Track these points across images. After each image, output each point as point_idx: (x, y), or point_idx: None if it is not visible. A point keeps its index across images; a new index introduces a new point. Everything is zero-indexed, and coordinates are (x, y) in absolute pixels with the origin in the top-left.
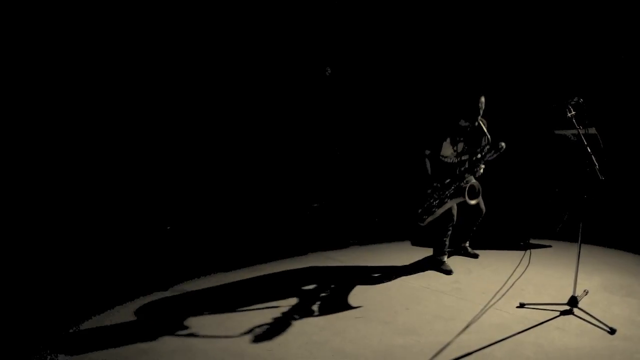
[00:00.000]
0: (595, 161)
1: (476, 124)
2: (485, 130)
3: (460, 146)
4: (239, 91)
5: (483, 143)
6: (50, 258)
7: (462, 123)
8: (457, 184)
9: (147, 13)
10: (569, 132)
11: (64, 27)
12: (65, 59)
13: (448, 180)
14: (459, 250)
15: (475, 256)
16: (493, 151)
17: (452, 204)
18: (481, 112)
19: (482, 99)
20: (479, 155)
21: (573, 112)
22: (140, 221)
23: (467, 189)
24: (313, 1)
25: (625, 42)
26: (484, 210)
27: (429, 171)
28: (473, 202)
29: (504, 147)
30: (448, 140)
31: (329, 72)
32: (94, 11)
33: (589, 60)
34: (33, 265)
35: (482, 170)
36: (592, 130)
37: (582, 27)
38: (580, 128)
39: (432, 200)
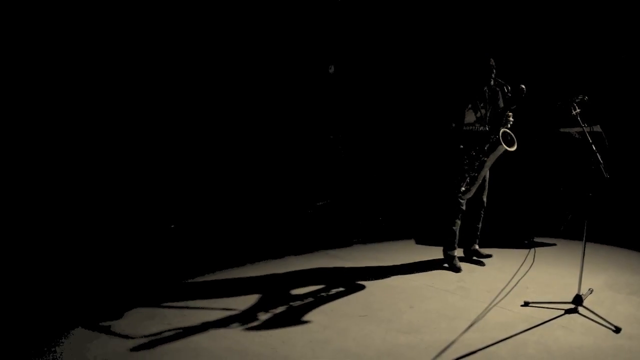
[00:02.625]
0: (600, 159)
1: (492, 83)
2: (504, 82)
3: (483, 112)
4: (243, 89)
5: (504, 91)
6: (54, 257)
7: (480, 87)
8: (490, 140)
9: (148, 12)
10: (573, 130)
11: (64, 27)
12: (66, 59)
13: (480, 144)
14: (469, 254)
15: (489, 256)
16: (515, 97)
17: (492, 160)
18: (494, 71)
19: (492, 60)
20: (502, 105)
21: (578, 110)
22: (144, 219)
23: (500, 137)
24: None
25: (629, 39)
26: (485, 202)
27: (460, 143)
28: (512, 148)
29: (525, 89)
30: (469, 107)
31: (333, 69)
32: (94, 11)
33: (594, 57)
34: (36, 264)
35: (511, 119)
36: (597, 128)
37: (587, 24)
38: (585, 126)
39: (470, 170)
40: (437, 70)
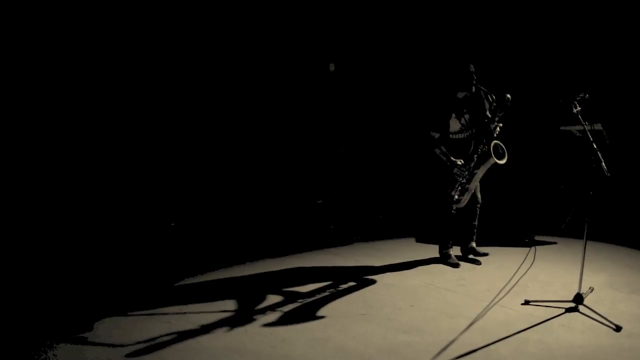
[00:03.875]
0: (601, 157)
1: (474, 90)
2: (487, 90)
3: (467, 117)
4: (243, 88)
5: (490, 100)
6: (54, 256)
7: (460, 95)
8: (479, 150)
9: (148, 12)
10: (574, 128)
11: (64, 27)
12: (65, 59)
13: (469, 153)
14: (466, 252)
15: (485, 254)
16: (500, 106)
17: (483, 172)
18: (475, 77)
19: (472, 66)
20: (489, 115)
21: (579, 108)
22: (144, 218)
23: (491, 148)
24: None
25: (630, 37)
26: (480, 200)
27: (446, 153)
28: (502, 161)
29: (510, 98)
30: (453, 115)
31: (333, 68)
32: (94, 11)
33: (595, 55)
34: (35, 264)
35: (499, 129)
36: (598, 126)
37: (587, 22)
38: (585, 124)
39: (461, 179)
40: (427, 76)
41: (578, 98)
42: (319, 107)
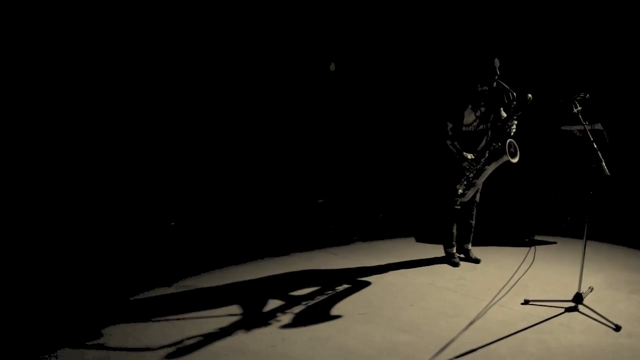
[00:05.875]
0: (601, 157)
1: (494, 85)
2: (508, 87)
3: (483, 111)
4: (243, 87)
5: (510, 98)
6: (54, 255)
7: (480, 88)
8: (491, 147)
9: (148, 12)
10: (575, 128)
11: (64, 27)
12: (65, 59)
13: (480, 148)
14: (460, 252)
15: (477, 261)
16: (520, 105)
17: (492, 169)
18: (498, 73)
19: (497, 60)
20: (507, 113)
21: (579, 108)
22: (144, 217)
23: (506, 146)
24: None
25: (630, 37)
26: (478, 199)
27: (457, 145)
28: (514, 160)
29: (531, 98)
30: (469, 107)
31: (333, 67)
32: (94, 11)
33: (596, 55)
34: (35, 263)
35: (514, 128)
36: (598, 126)
37: (588, 21)
38: (586, 124)
39: (469, 173)
40: (438, 69)
41: (578, 98)
42: (319, 106)
